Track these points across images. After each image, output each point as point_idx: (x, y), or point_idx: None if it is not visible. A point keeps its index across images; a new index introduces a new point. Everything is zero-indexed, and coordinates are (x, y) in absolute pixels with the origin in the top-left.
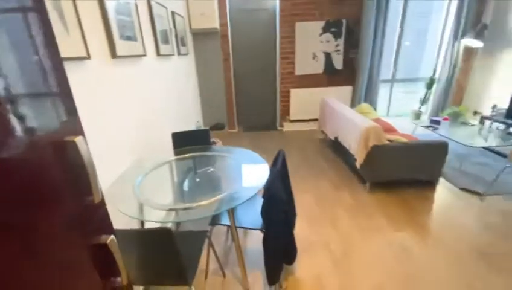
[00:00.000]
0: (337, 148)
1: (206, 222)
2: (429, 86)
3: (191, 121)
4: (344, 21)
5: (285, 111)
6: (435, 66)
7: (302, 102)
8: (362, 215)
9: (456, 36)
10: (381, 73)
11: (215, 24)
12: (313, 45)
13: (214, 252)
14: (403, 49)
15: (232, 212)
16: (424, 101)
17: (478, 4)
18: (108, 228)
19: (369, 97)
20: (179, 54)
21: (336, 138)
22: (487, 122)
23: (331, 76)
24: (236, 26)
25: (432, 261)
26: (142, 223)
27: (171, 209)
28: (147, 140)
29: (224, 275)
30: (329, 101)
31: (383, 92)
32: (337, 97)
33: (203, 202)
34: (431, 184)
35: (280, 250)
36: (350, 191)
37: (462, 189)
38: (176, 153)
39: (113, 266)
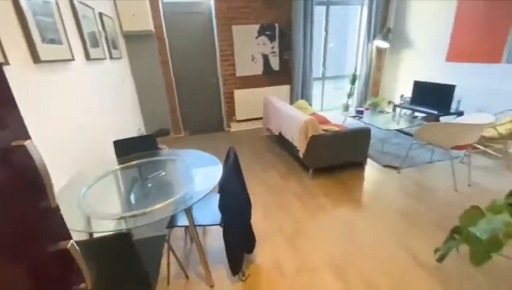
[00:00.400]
0: (282, 142)
1: (163, 227)
2: (353, 81)
3: (132, 128)
4: (277, 25)
5: (231, 112)
6: (356, 64)
7: (246, 102)
8: (308, 198)
9: (369, 38)
10: (313, 72)
11: (149, 26)
12: (250, 47)
13: (175, 255)
14: (329, 50)
15: (189, 211)
16: (350, 95)
17: (383, 11)
18: (66, 233)
19: (305, 94)
20: (111, 57)
21: (280, 133)
22: (398, 109)
23: (270, 76)
24: (172, 29)
25: (368, 227)
26: (91, 236)
27: (122, 218)
28: (86, 151)
29: (187, 277)
30: (271, 99)
31: (316, 89)
32: (277, 96)
33: (157, 206)
34: (361, 165)
35: (240, 240)
36: (296, 178)
37: (385, 166)
38: (122, 161)
39: (76, 272)
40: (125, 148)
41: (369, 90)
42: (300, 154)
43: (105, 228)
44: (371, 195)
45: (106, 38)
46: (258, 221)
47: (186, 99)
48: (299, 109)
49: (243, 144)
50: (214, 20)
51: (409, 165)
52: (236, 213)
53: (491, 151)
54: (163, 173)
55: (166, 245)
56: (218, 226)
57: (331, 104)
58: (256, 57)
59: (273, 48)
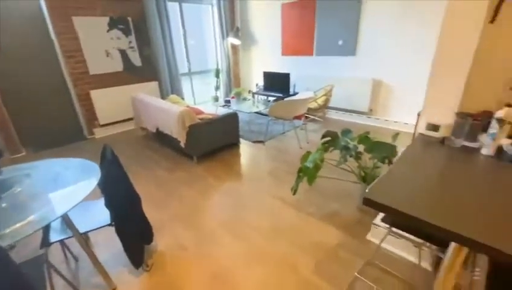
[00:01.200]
0: (161, 138)
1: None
2: (217, 75)
3: None
4: (129, 19)
5: (91, 116)
6: (217, 60)
7: (110, 103)
8: (197, 182)
9: (223, 36)
10: (179, 67)
11: None
12: (102, 42)
13: (60, 274)
14: (191, 46)
15: (69, 220)
16: (217, 88)
17: (230, 11)
18: None
19: (175, 89)
20: None
21: (157, 129)
22: (256, 96)
23: (132, 73)
24: None
25: (249, 190)
26: None
27: None
28: None
29: None
30: (139, 96)
31: (186, 84)
32: (145, 92)
33: (18, 224)
34: (236, 144)
35: (136, 232)
36: (182, 168)
37: (254, 141)
38: None
39: None
40: None
41: (232, 82)
42: (182, 145)
43: None
44: (247, 166)
45: None
46: (153, 214)
47: (22, 108)
48: (172, 103)
49: (116, 149)
50: (45, 10)
51: (270, 137)
52: (126, 206)
53: (316, 118)
54: (19, 189)
55: (46, 267)
56: (102, 233)
57: (202, 98)
58: (112, 53)
59: (130, 42)
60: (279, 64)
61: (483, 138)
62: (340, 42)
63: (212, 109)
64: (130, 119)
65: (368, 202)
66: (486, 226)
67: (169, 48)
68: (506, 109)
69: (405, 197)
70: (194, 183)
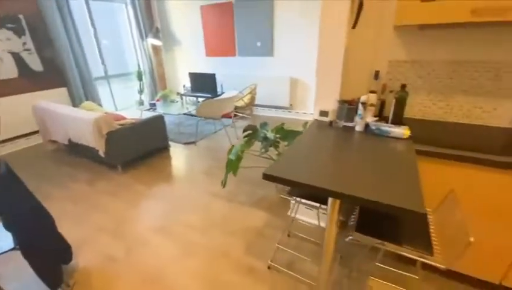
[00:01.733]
0: (76, 149)
1: None
2: (139, 77)
3: None
4: (21, 16)
5: None
6: (138, 61)
7: (5, 115)
8: (123, 191)
9: (142, 36)
10: (93, 71)
11: None
12: None
13: None
14: (105, 48)
15: None
16: (141, 91)
17: (147, 11)
18: None
19: (90, 95)
20: None
21: (70, 140)
22: (184, 98)
23: (32, 79)
24: None
25: (182, 191)
26: None
27: None
28: None
29: None
30: (43, 105)
31: (103, 89)
32: (52, 100)
33: None
34: (166, 148)
35: (49, 252)
36: (105, 179)
37: (185, 143)
38: None
39: None
40: None
41: (157, 84)
42: (102, 154)
43: None
44: (178, 168)
45: None
46: (72, 231)
47: None
48: (87, 111)
49: (19, 170)
50: None
51: (201, 138)
52: (33, 226)
53: (245, 116)
54: None
55: None
56: (6, 261)
57: (126, 103)
58: (1, 56)
59: (25, 44)
60: (204, 65)
61: (356, 118)
62: (259, 44)
63: (136, 113)
64: (36, 132)
65: (265, 176)
66: (353, 181)
67: (77, 49)
68: (368, 94)
69: (295, 169)
70: (120, 193)
